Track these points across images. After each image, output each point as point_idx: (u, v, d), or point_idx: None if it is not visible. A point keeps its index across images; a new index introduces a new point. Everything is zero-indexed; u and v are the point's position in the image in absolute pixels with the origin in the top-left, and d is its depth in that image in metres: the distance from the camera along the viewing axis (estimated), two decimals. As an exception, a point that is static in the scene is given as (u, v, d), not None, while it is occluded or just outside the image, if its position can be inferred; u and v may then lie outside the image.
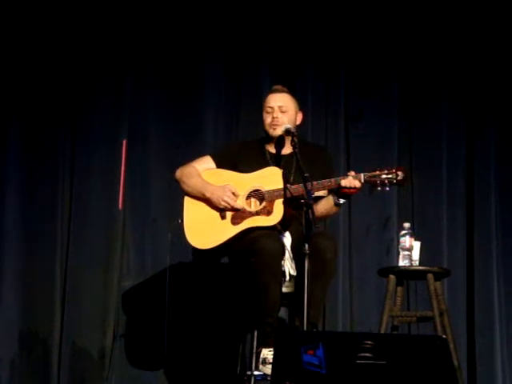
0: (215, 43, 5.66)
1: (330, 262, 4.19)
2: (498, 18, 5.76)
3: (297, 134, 4.38)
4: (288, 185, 4.23)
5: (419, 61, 5.80)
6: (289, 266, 4.21)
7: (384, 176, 4.20)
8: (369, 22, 5.77)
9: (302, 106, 4.63)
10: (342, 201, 4.31)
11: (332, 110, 5.74)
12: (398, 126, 5.77)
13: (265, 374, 4.13)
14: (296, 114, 4.51)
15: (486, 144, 5.76)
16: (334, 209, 4.38)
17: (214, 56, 5.66)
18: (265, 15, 5.69)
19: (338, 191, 4.27)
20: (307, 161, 4.21)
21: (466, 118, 5.81)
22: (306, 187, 4.04)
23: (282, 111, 4.45)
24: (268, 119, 4.47)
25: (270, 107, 4.47)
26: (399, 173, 4.21)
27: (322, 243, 4.13)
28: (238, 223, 4.31)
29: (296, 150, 4.23)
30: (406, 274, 4.98)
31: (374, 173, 4.22)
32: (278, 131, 4.43)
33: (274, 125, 4.44)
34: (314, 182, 4.18)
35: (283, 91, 4.52)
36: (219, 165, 4.49)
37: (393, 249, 5.44)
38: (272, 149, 4.51)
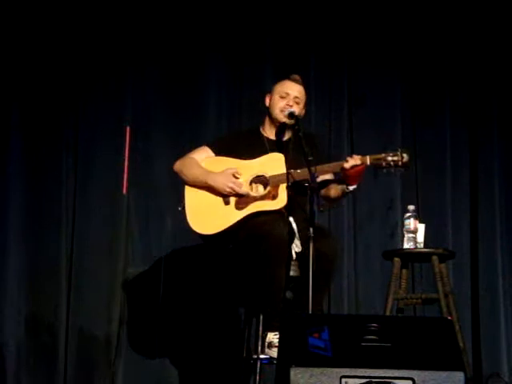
0: (217, 31, 5.65)
1: (334, 263, 4.23)
2: (500, 12, 5.76)
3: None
4: (292, 170, 4.22)
5: (422, 46, 5.81)
6: (294, 246, 4.22)
7: (390, 158, 4.22)
8: (371, 7, 5.77)
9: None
10: (351, 188, 4.31)
11: (335, 95, 5.74)
12: (401, 110, 5.78)
13: (271, 358, 4.15)
14: (304, 108, 4.52)
15: (490, 127, 5.77)
16: (343, 194, 4.41)
17: (215, 43, 5.65)
18: (266, 3, 5.68)
19: (344, 177, 4.28)
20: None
21: (470, 102, 5.82)
22: (310, 170, 4.05)
23: (296, 102, 4.45)
24: (281, 103, 4.45)
25: (286, 93, 4.46)
26: (404, 155, 4.23)
27: (326, 244, 4.14)
28: (243, 208, 4.31)
29: (300, 133, 4.23)
30: (410, 257, 4.99)
31: (379, 155, 4.24)
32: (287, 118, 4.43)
33: (284, 114, 4.43)
34: (318, 166, 4.18)
35: (302, 84, 4.51)
36: (218, 153, 4.48)
37: (397, 231, 5.45)
38: (271, 135, 4.51)
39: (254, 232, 4.19)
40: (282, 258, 4.15)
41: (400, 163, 4.22)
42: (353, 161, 4.21)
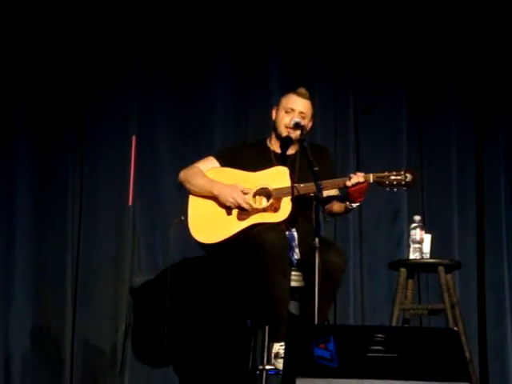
0: (224, 39, 5.66)
1: (339, 278, 4.23)
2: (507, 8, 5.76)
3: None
4: (296, 184, 4.23)
5: (428, 55, 5.79)
6: (294, 254, 4.23)
7: (393, 177, 4.25)
8: (377, 15, 5.77)
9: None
10: (354, 205, 4.33)
11: (341, 104, 5.73)
12: (408, 120, 5.77)
13: (277, 369, 4.14)
14: (310, 121, 4.51)
15: (496, 136, 5.75)
16: (346, 210, 4.41)
17: (222, 52, 5.67)
18: (273, 9, 5.69)
19: (347, 195, 4.29)
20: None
21: (476, 111, 5.80)
22: (316, 180, 4.06)
23: (301, 117, 4.43)
24: (286, 119, 4.44)
25: (291, 108, 4.44)
26: (408, 175, 4.27)
27: (333, 259, 4.14)
28: (245, 219, 4.31)
29: (305, 143, 4.24)
30: (416, 267, 4.97)
31: (382, 173, 4.27)
32: (291, 135, 4.43)
33: (290, 128, 4.43)
34: (323, 181, 4.18)
35: (308, 98, 4.49)
36: (223, 164, 4.49)
37: (403, 242, 5.43)
38: (277, 149, 4.51)
39: (249, 242, 4.20)
40: (279, 266, 4.16)
41: (403, 182, 4.27)
42: (356, 178, 4.22)
